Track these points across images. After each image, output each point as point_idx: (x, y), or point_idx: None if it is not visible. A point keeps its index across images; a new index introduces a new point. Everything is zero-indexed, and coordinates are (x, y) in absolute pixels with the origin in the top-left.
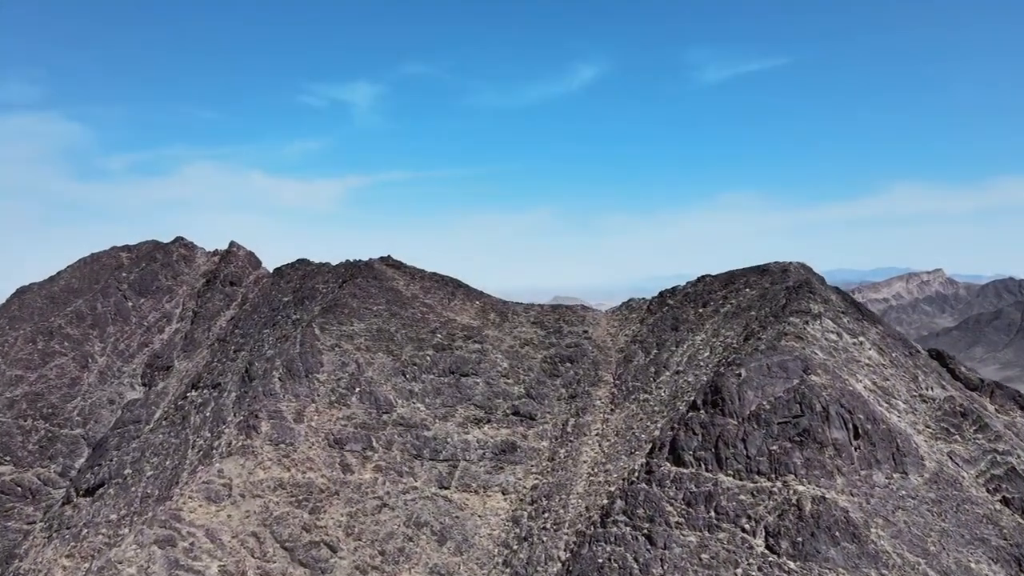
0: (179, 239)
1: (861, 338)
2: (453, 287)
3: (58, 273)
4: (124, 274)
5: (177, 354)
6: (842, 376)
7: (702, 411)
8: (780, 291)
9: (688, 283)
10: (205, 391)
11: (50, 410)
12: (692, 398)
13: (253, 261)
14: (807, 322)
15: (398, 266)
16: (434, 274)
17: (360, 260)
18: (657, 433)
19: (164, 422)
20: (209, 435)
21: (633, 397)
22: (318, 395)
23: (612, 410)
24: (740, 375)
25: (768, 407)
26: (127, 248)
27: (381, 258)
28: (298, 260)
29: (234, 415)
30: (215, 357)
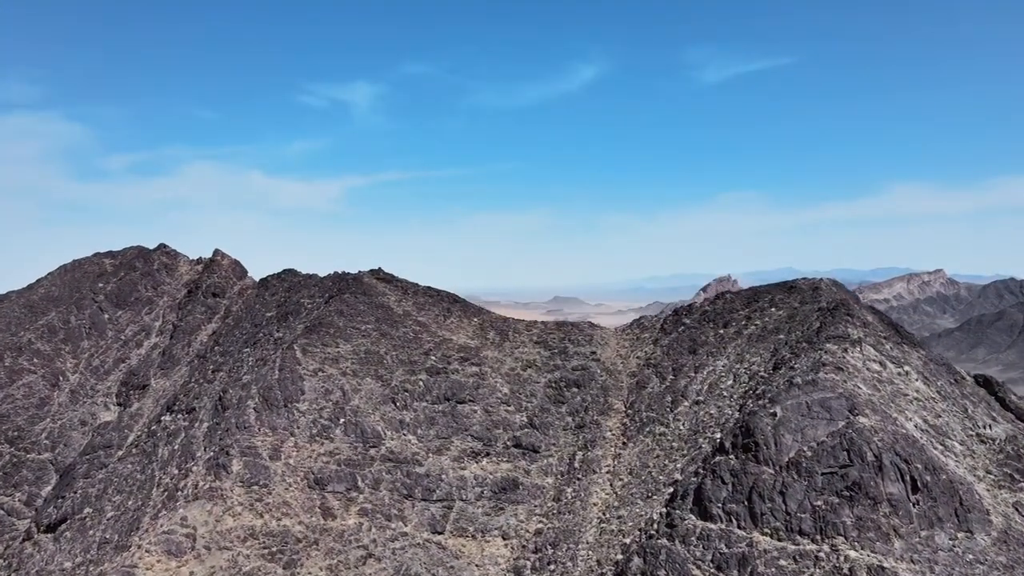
0: (161, 246)
1: (906, 367)
2: (449, 303)
3: (38, 280)
4: (101, 284)
5: (154, 372)
6: (892, 415)
7: (731, 455)
8: (811, 312)
9: (706, 300)
10: (179, 416)
11: (16, 433)
12: (718, 437)
13: (238, 270)
14: (846, 349)
15: (389, 280)
16: (429, 289)
17: (348, 273)
18: (678, 476)
19: (135, 449)
20: (177, 472)
21: (648, 430)
22: (298, 427)
23: (624, 444)
24: (775, 414)
25: (810, 454)
26: (111, 254)
27: (371, 271)
28: (284, 271)
29: (204, 450)
30: (193, 377)
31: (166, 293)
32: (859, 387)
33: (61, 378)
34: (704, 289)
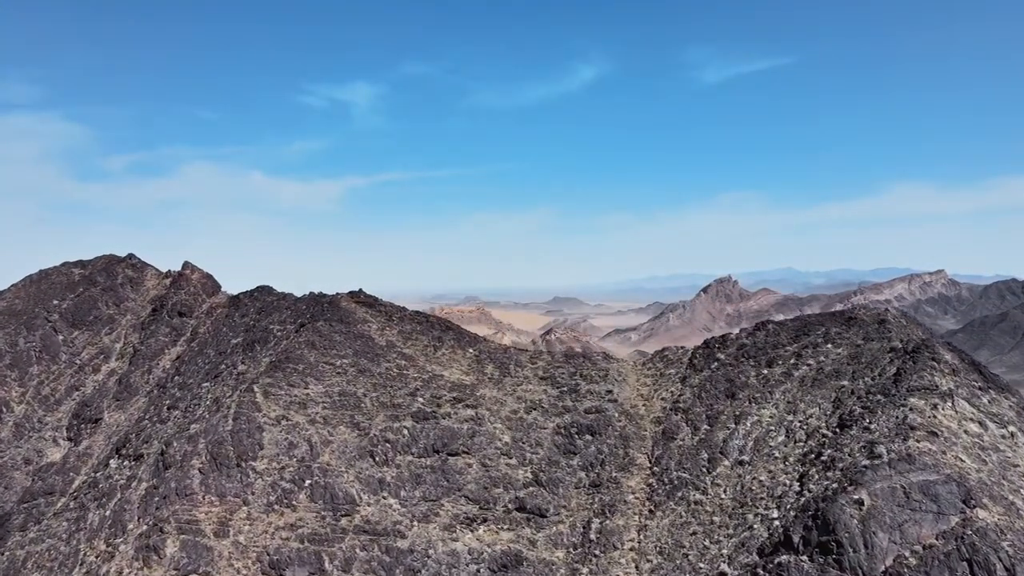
0: (129, 257)
1: (1010, 427)
2: (440, 330)
3: (1, 293)
4: (56, 301)
5: (108, 403)
6: (1015, 504)
7: (802, 555)
8: (881, 353)
9: (743, 331)
10: (125, 464)
11: None
12: (774, 517)
13: (208, 286)
14: (935, 406)
15: (371, 303)
16: (417, 314)
17: (324, 295)
18: (726, 569)
19: (73, 503)
20: (104, 548)
21: (680, 495)
22: (252, 492)
23: (651, 511)
24: (861, 502)
25: (914, 562)
26: (80, 264)
27: (351, 293)
28: (258, 288)
29: (138, 521)
30: (148, 412)
31: (130, 311)
32: (962, 460)
33: (4, 409)
34: (704, 290)
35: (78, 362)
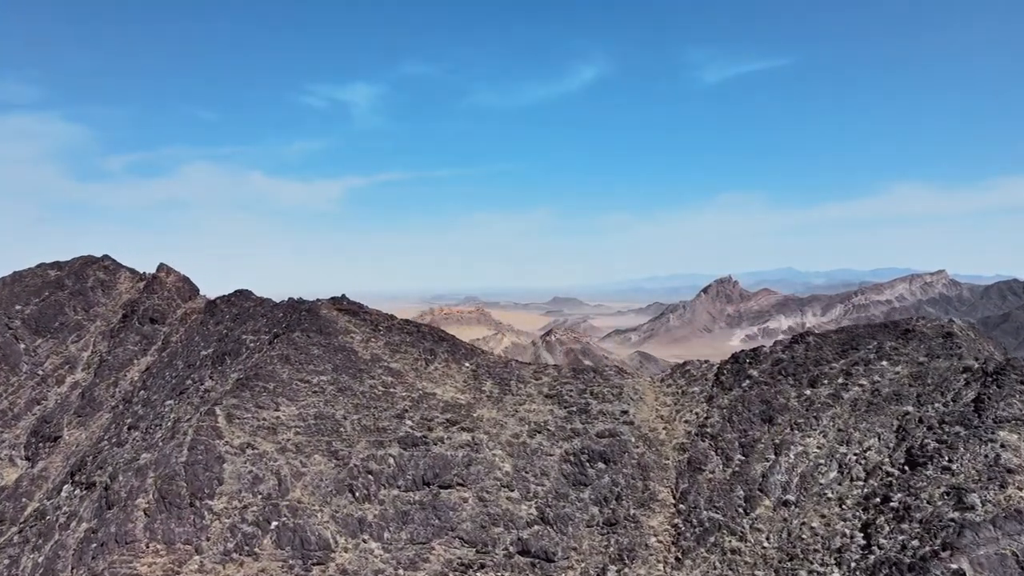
0: (104, 258)
1: None
2: (432, 342)
3: None
4: (19, 307)
5: (69, 419)
6: None
7: None
8: (952, 373)
9: (778, 344)
10: (77, 492)
11: None
12: None
13: (184, 290)
14: None
15: (355, 311)
16: (406, 323)
17: (303, 301)
18: None
19: (17, 537)
20: None
21: (712, 541)
22: (207, 538)
23: (678, 560)
24: (962, 574)
25: None
26: (57, 265)
27: (332, 299)
28: (236, 292)
29: (70, 573)
30: (108, 431)
31: (100, 316)
32: None
33: None
34: (705, 290)
35: (40, 373)
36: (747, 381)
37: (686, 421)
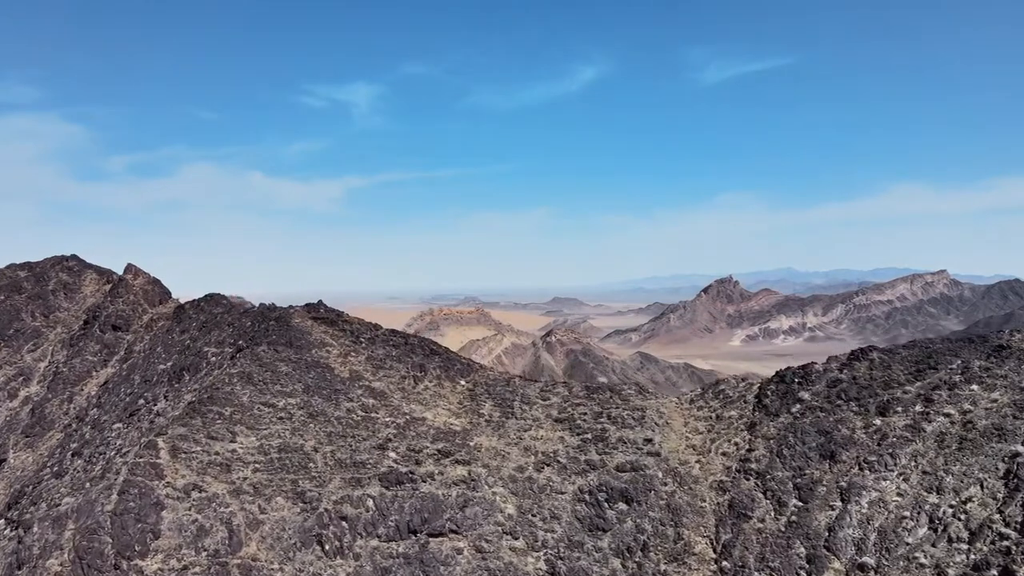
0: (67, 258)
1: None
2: (423, 356)
3: None
4: None
5: (16, 440)
6: None
7: None
8: None
9: (833, 360)
10: (8, 532)
11: None
12: None
13: (152, 294)
14: None
15: (332, 321)
16: (393, 334)
17: (274, 307)
18: None
19: None
20: None
21: None
22: None
23: None
24: None
25: None
26: (26, 266)
27: (307, 306)
28: (207, 297)
29: None
30: (52, 457)
31: (61, 323)
32: None
33: None
34: (705, 290)
35: None
36: (797, 406)
37: (724, 453)
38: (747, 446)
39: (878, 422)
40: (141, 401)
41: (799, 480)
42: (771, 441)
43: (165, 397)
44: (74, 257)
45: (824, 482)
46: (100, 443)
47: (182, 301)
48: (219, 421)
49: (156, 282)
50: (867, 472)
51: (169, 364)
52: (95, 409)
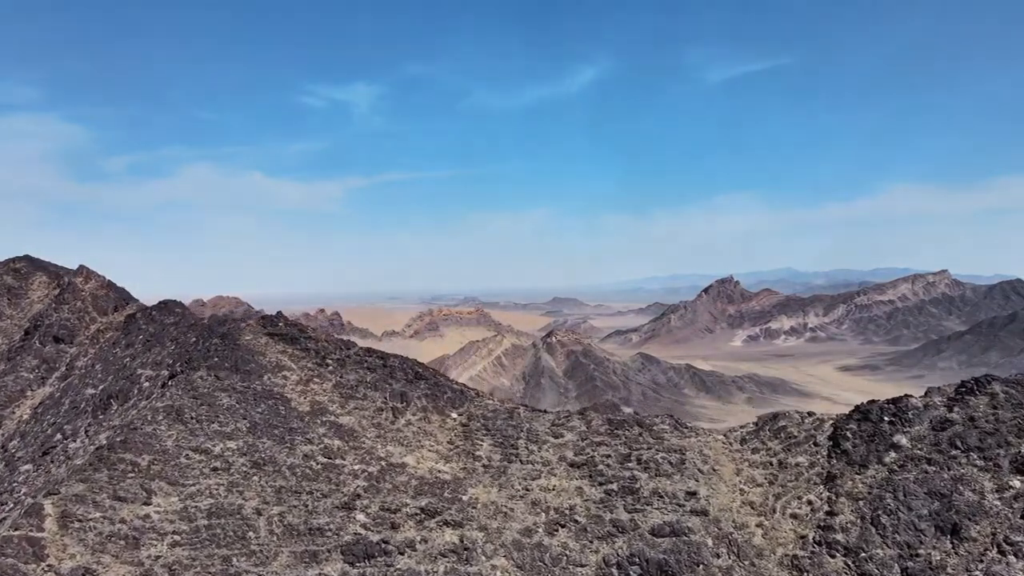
0: (20, 259)
1: None
2: (405, 382)
3: None
4: None
5: None
6: None
7: None
8: None
9: (936, 393)
10: None
11: None
12: None
13: (103, 301)
14: None
15: (292, 338)
16: (368, 353)
17: (225, 318)
18: None
19: None
20: None
21: None
22: None
23: None
24: None
25: None
26: None
27: (263, 319)
28: (160, 304)
29: None
30: None
31: (2, 332)
32: None
33: None
34: (706, 291)
35: None
36: (893, 454)
37: (794, 515)
38: (826, 507)
39: (1017, 484)
40: (59, 436)
41: (911, 564)
42: (861, 503)
43: (85, 433)
44: (25, 258)
45: (949, 568)
46: (5, 489)
47: (132, 309)
48: (131, 475)
49: (110, 286)
50: (1012, 558)
51: (99, 388)
52: (16, 440)
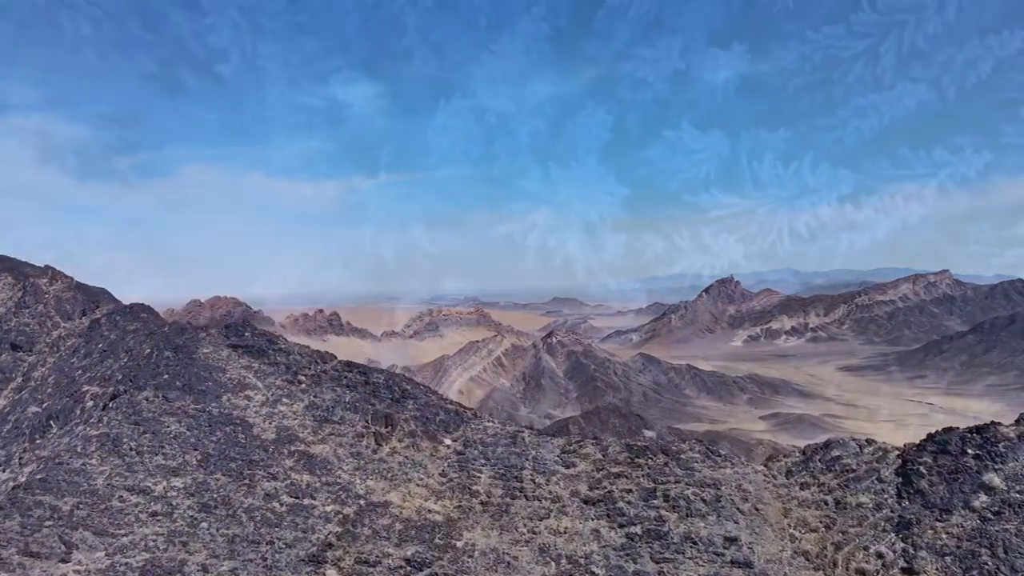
0: None
1: None
2: (391, 400)
3: None
4: None
5: None
6: None
7: None
8: None
9: None
10: None
11: None
12: None
13: (68, 304)
14: None
15: (260, 351)
16: (348, 368)
17: (186, 327)
18: None
19: None
20: None
21: None
22: None
23: None
24: None
25: None
26: None
27: (226, 328)
28: (128, 307)
29: None
30: None
31: None
32: None
33: None
34: (706, 291)
35: None
36: (983, 496)
37: (861, 572)
38: (901, 561)
39: None
40: (3, 459)
41: None
42: (948, 559)
43: (19, 460)
44: None
45: None
46: None
47: (99, 313)
48: (49, 523)
49: (78, 288)
50: None
51: (43, 407)
52: None
